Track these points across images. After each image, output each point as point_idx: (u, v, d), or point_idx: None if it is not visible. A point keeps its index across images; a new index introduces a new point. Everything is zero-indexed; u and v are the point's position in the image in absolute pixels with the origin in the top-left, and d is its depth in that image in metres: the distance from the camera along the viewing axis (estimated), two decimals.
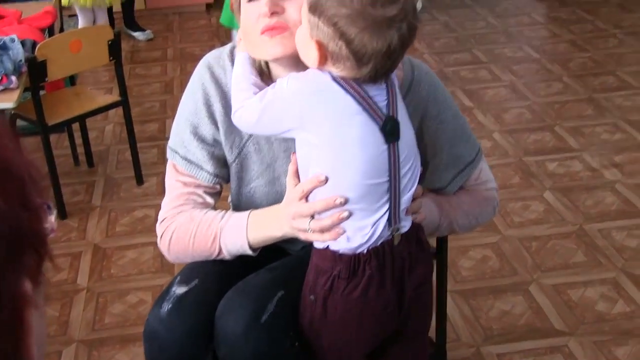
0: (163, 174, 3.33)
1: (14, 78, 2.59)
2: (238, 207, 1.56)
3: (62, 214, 3.09)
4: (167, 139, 3.86)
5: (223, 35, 5.17)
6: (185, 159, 1.49)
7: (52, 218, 0.76)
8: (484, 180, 1.59)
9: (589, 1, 5.38)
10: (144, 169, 3.37)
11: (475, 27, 5.01)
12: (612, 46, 4.57)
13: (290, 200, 1.33)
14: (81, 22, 4.54)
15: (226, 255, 1.46)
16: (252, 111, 1.29)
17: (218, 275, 1.50)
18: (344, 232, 1.30)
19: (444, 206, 1.51)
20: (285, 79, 1.25)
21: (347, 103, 1.22)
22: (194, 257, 1.50)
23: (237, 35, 1.42)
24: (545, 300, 2.48)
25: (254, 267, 1.49)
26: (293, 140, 1.38)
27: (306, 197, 1.31)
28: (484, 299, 2.53)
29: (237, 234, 1.42)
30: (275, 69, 1.39)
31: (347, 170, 1.25)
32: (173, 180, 1.52)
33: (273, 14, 1.29)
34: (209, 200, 1.52)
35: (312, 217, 1.31)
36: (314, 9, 1.19)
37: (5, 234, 0.56)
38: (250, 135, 1.46)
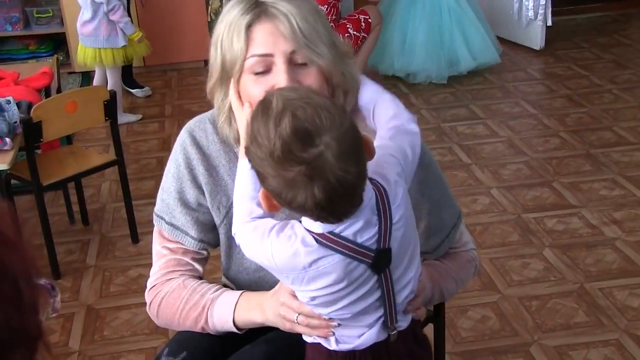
0: None
1: (8, 140, 2.58)
2: (228, 269, 1.54)
3: (56, 274, 3.05)
4: None
5: None
6: (171, 224, 1.48)
7: (57, 299, 0.76)
8: (464, 242, 1.58)
9: (584, 57, 5.42)
10: (140, 227, 3.34)
11: (472, 83, 5.04)
12: (608, 101, 4.59)
13: (283, 289, 1.29)
14: (96, 79, 4.71)
15: (211, 328, 1.43)
16: (247, 246, 1.21)
17: (208, 347, 1.46)
18: (333, 334, 1.26)
19: (434, 277, 1.47)
20: (269, 242, 1.16)
21: (334, 264, 1.14)
22: (179, 324, 1.47)
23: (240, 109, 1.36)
24: None
25: (244, 338, 1.45)
26: None
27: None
28: None
29: (225, 310, 1.40)
30: None
31: (337, 307, 1.21)
32: (160, 247, 1.50)
33: None
34: (197, 266, 1.50)
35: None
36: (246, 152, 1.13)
37: None
38: None
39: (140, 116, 4.81)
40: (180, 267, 1.47)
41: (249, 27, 1.28)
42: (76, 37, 4.72)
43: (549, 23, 5.46)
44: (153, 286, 1.49)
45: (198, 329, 1.44)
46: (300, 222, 1.17)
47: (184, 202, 1.46)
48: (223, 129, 1.40)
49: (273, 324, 1.34)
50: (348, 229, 1.13)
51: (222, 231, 1.49)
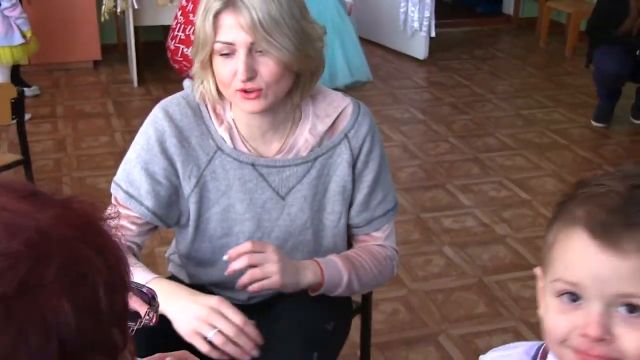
0: None
1: None
2: (194, 240, 1.58)
3: None
4: None
5: (115, 93, 5.13)
6: (127, 192, 1.53)
7: (155, 308, 0.79)
8: (389, 241, 1.75)
9: (464, 68, 5.78)
10: None
11: (363, 89, 5.24)
12: (489, 110, 4.93)
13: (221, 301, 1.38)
14: None
15: None
16: None
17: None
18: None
19: (347, 266, 1.60)
20: None
21: None
22: None
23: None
24: (455, 350, 2.62)
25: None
26: (249, 168, 1.51)
27: None
28: (398, 350, 2.63)
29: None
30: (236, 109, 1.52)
31: None
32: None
33: (248, 79, 1.40)
34: (139, 240, 1.55)
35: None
36: None
37: (65, 342, 0.57)
38: (208, 163, 1.53)
39: (29, 115, 4.65)
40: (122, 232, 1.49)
41: (216, 15, 1.41)
42: None
43: (433, 34, 5.77)
44: None
45: None
46: None
47: (149, 173, 1.52)
48: (198, 89, 1.51)
49: (180, 328, 1.38)
50: None
51: (192, 200, 1.55)
